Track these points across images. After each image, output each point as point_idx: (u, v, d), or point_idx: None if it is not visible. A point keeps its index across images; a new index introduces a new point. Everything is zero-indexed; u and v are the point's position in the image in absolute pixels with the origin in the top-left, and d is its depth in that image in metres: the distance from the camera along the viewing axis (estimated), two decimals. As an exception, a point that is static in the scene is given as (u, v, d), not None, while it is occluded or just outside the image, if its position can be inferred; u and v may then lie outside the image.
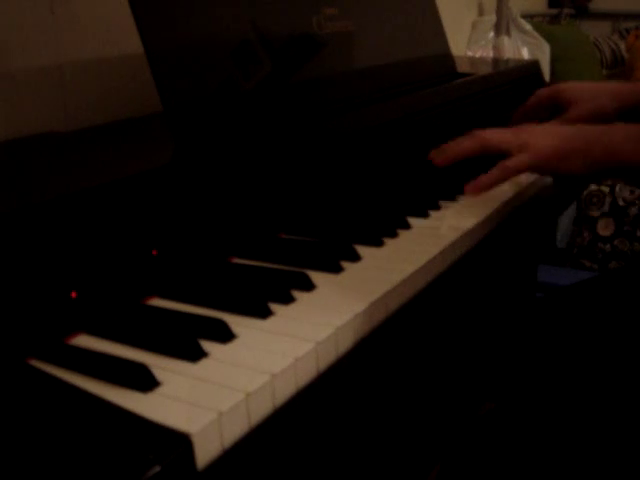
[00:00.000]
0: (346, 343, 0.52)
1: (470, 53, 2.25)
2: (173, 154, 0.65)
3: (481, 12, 2.44)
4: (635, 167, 0.67)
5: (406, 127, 0.91)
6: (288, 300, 0.54)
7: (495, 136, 0.74)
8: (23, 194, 0.58)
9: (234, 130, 0.69)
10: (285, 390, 0.46)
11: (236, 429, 0.42)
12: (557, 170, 0.70)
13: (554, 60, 2.50)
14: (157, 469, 0.36)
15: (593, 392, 0.60)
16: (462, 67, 1.18)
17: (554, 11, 3.30)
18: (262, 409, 0.44)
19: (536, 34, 2.40)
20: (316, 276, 0.58)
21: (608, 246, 1.62)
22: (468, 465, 0.65)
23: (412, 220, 0.71)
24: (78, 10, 0.92)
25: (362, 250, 0.64)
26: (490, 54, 2.27)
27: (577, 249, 1.63)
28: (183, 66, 0.66)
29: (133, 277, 0.55)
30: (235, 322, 0.51)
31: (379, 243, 0.66)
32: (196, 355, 0.47)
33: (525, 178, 0.88)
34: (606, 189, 1.82)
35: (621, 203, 1.75)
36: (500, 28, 2.27)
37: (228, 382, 0.44)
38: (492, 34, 2.29)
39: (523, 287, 1.40)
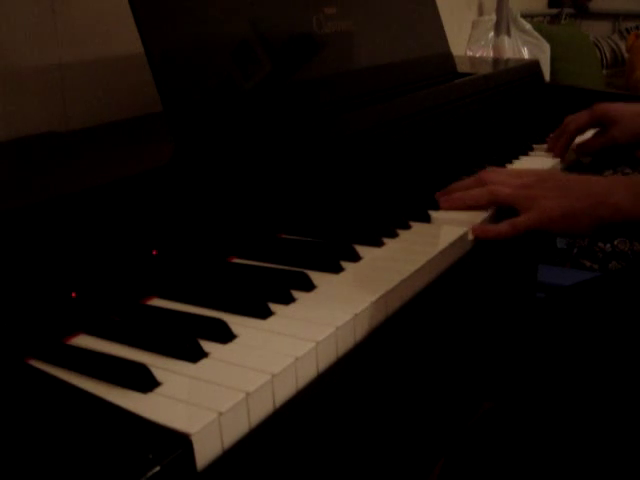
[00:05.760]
0: (346, 343, 0.52)
1: (470, 53, 2.25)
2: (173, 154, 0.65)
3: (481, 12, 2.44)
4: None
5: (407, 127, 0.91)
6: (288, 300, 0.54)
7: (505, 190, 0.74)
8: (23, 194, 0.57)
9: (234, 130, 0.69)
10: (285, 390, 0.46)
11: (236, 429, 0.42)
12: (564, 230, 0.71)
13: (554, 60, 2.50)
14: (157, 469, 0.36)
15: (593, 392, 0.60)
16: (462, 67, 1.19)
17: (554, 11, 3.30)
18: (262, 409, 0.44)
19: (536, 34, 2.41)
20: (316, 276, 0.58)
21: (608, 246, 1.62)
22: (469, 464, 0.65)
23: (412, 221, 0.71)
24: (78, 10, 0.92)
25: (362, 250, 0.64)
26: (490, 54, 2.27)
27: (577, 249, 1.63)
28: (183, 66, 0.66)
29: (133, 277, 0.55)
30: (235, 322, 0.51)
31: (379, 243, 0.66)
32: (196, 355, 0.47)
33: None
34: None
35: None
36: (500, 28, 2.27)
37: (228, 382, 0.43)
38: (492, 34, 2.29)
39: (523, 287, 1.40)
